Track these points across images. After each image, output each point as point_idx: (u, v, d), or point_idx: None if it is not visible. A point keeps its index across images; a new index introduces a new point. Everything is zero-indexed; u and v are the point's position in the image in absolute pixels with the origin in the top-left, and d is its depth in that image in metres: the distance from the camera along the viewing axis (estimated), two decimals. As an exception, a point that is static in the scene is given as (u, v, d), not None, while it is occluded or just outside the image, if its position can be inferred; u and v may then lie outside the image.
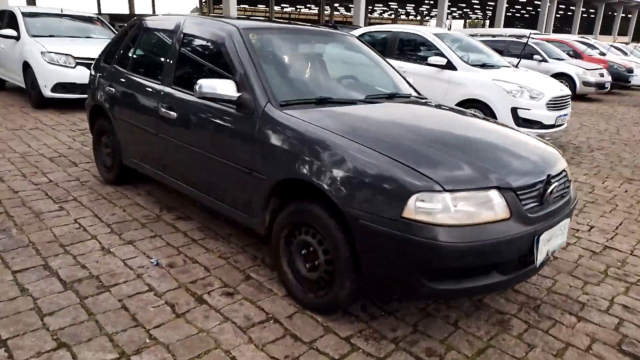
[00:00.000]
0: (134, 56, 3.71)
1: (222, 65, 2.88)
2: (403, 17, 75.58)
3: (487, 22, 75.03)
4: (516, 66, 7.42)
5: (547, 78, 7.16)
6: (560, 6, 39.21)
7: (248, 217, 2.73)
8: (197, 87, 2.61)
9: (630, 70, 14.38)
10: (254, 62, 2.71)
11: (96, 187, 4.07)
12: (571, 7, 43.21)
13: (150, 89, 3.34)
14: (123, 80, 3.66)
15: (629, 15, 46.01)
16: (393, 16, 72.76)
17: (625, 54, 17.72)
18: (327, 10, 52.07)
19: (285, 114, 2.49)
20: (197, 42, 3.24)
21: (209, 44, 3.11)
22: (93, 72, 4.14)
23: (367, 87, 3.24)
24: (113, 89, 3.74)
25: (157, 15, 3.81)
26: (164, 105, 3.16)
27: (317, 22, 38.12)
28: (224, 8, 14.95)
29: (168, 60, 3.25)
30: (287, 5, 58.04)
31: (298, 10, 61.66)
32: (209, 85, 2.59)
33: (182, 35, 3.22)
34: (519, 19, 54.56)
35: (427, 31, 7.21)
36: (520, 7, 48.98)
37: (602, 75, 12.17)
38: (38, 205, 3.62)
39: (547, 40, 13.51)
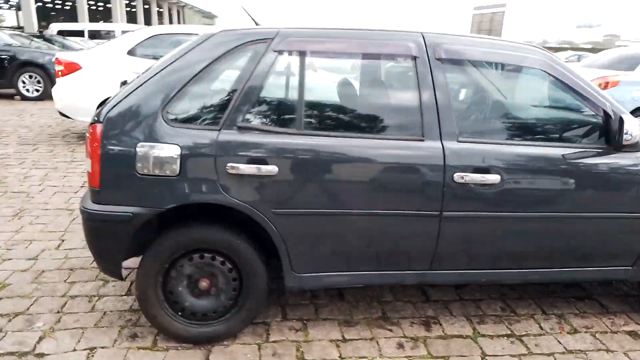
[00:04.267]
0: (350, 110, 2.37)
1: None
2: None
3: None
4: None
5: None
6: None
7: None
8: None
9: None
10: None
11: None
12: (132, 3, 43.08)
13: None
14: (315, 152, 2.03)
15: (165, 10, 49.76)
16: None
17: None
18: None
19: None
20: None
21: None
22: (163, 146, 1.95)
23: None
24: (277, 170, 1.99)
25: (341, 29, 2.15)
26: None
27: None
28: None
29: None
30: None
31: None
32: None
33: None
34: (95, 12, 50.71)
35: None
36: (94, 1, 47.31)
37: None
38: None
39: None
